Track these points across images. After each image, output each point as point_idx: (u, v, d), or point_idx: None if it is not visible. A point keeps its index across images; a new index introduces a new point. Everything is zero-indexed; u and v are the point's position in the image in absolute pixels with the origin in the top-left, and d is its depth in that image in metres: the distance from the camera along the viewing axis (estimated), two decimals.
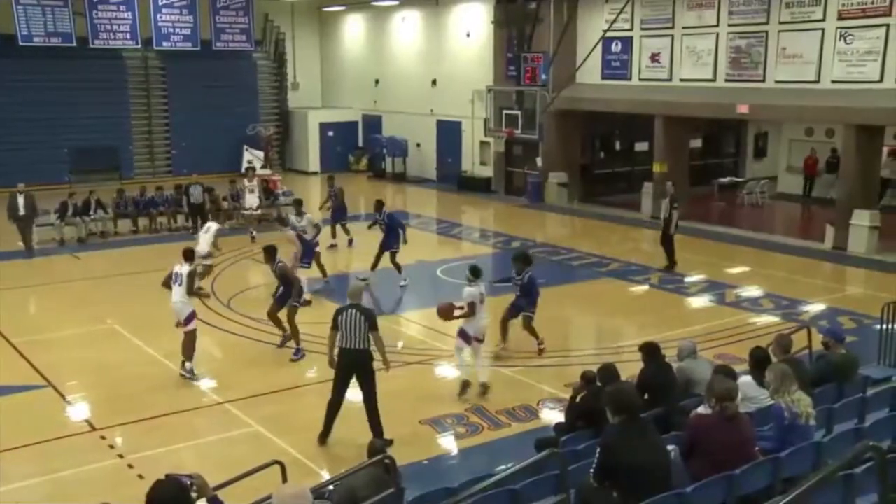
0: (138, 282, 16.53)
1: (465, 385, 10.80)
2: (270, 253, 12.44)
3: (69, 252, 19.40)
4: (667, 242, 17.12)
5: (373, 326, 9.26)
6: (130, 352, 12.63)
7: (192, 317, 11.58)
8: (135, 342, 13.01)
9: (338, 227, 19.07)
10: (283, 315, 12.47)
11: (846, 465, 4.88)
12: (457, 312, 10.92)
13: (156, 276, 16.42)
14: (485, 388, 10.82)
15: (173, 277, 11.67)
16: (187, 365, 11.52)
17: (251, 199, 20.63)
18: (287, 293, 12.40)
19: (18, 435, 9.58)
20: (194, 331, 11.59)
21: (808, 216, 23.64)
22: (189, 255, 11.95)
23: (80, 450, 9.44)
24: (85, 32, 26.19)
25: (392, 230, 15.89)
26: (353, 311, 9.28)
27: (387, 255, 15.82)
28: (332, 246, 18.84)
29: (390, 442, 8.99)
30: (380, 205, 16.17)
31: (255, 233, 20.15)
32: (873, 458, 4.83)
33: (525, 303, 12.06)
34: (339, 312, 9.35)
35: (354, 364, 9.30)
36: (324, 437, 9.47)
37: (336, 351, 9.44)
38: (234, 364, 12.31)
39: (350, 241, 18.95)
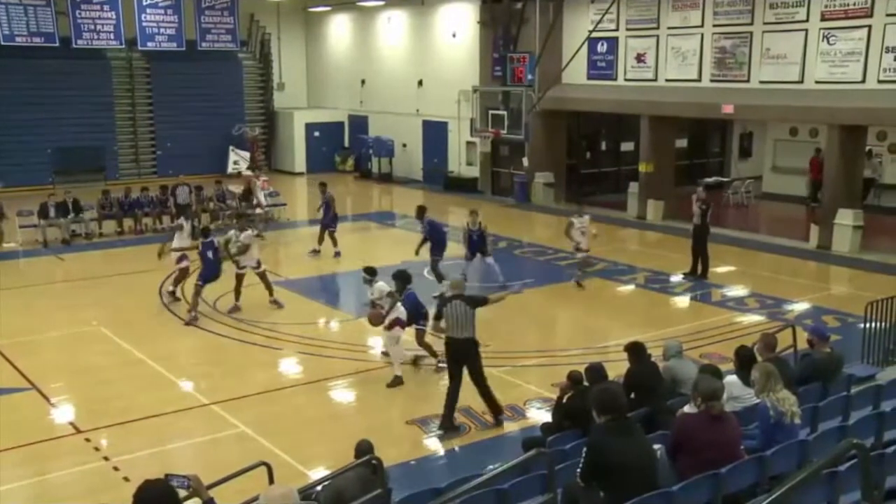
0: (123, 283, 16.49)
1: (397, 381, 11.19)
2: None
3: (53, 253, 19.26)
4: (701, 249, 16.40)
5: (480, 304, 9.87)
6: (115, 353, 12.55)
7: (181, 258, 14.70)
8: (120, 344, 12.92)
9: (325, 234, 18.53)
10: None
11: (831, 462, 4.90)
12: (387, 316, 11.31)
13: (141, 277, 16.47)
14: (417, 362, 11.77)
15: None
16: (170, 287, 14.97)
17: (263, 196, 21.28)
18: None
19: (2, 438, 9.51)
20: (186, 268, 14.70)
21: (793, 216, 23.72)
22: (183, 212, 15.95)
23: (65, 452, 9.39)
24: (68, 32, 25.98)
25: (483, 239, 16.13)
26: (458, 301, 9.71)
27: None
28: (315, 251, 18.60)
29: (500, 422, 9.76)
30: (475, 214, 16.17)
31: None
32: (857, 456, 4.86)
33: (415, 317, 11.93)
34: (444, 303, 9.87)
35: (460, 352, 9.72)
36: (448, 420, 9.68)
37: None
38: (220, 365, 12.27)
39: (336, 254, 18.45)
